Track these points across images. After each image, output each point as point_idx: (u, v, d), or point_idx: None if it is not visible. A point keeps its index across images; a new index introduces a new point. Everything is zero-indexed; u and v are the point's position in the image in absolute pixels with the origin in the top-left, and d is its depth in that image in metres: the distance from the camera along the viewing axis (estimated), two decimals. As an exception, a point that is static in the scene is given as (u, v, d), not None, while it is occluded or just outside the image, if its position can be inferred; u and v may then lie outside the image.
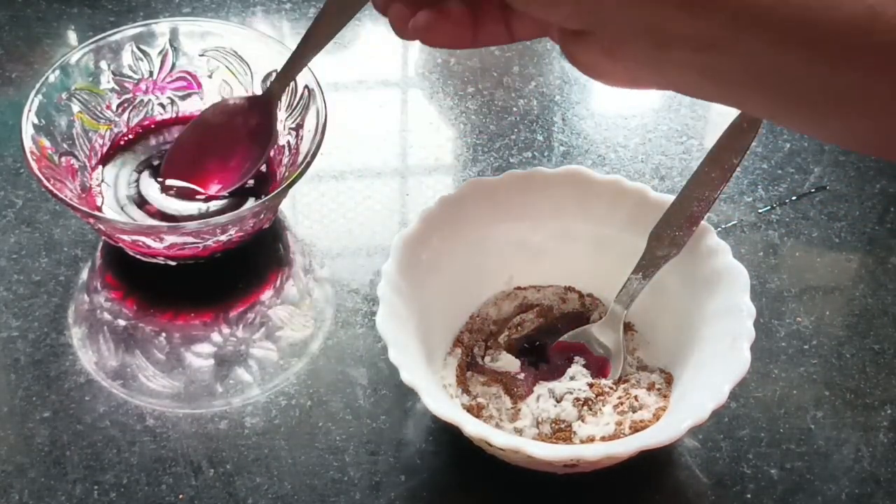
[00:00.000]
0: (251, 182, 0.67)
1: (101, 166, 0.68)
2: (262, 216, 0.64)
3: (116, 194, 0.67)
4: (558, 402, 0.57)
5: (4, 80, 0.76)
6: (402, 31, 0.46)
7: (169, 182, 0.67)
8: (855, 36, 0.37)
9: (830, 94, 0.39)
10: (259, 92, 0.69)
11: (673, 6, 0.39)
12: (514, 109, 0.76)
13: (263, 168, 0.68)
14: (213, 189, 0.67)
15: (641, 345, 0.61)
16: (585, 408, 0.57)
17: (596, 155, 0.73)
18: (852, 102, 0.39)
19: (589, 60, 0.43)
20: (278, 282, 0.66)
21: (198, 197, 0.66)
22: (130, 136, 0.69)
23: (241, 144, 0.67)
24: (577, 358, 0.60)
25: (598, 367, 0.59)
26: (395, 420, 0.60)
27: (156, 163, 0.68)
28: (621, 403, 0.57)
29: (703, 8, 0.39)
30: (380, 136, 0.75)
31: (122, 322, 0.64)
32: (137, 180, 0.67)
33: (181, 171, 0.67)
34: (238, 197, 0.67)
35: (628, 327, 0.61)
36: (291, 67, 0.65)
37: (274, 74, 0.68)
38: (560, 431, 0.56)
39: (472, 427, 0.52)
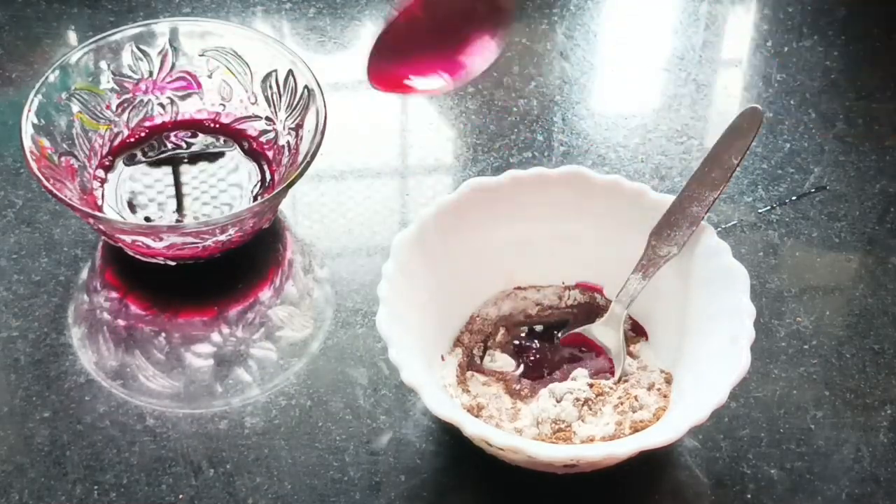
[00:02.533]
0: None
1: (100, 167, 0.68)
2: (262, 216, 0.64)
3: (116, 194, 0.67)
4: (558, 402, 0.57)
5: (4, 80, 0.76)
6: None
7: (376, 73, 0.54)
8: None
9: None
10: (259, 93, 0.69)
11: None
12: (514, 109, 0.76)
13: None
14: (433, 82, 0.56)
15: (641, 345, 0.61)
16: (585, 408, 0.57)
17: (596, 155, 0.73)
18: None
19: None
20: (278, 282, 0.66)
21: (408, 91, 0.56)
22: (133, 139, 0.70)
23: (472, 32, 0.55)
24: (583, 354, 0.60)
25: (602, 365, 0.60)
26: (395, 420, 0.60)
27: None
28: (621, 403, 0.57)
29: None
30: (380, 136, 0.75)
31: (122, 322, 0.64)
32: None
33: (392, 57, 0.55)
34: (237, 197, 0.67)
35: (633, 328, 0.61)
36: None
37: (274, 75, 0.68)
38: (560, 431, 0.56)
39: (472, 427, 0.52)
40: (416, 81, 0.56)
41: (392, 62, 0.54)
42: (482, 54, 0.55)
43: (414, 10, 0.54)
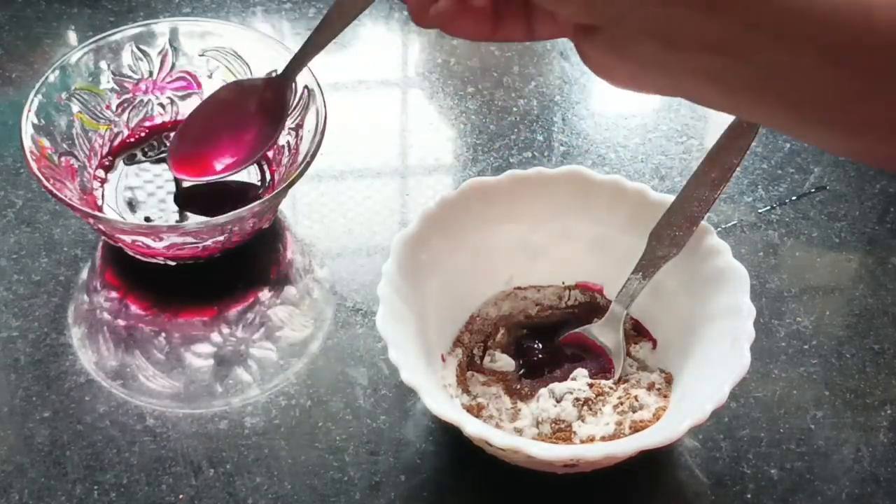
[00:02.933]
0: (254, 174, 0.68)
1: (100, 167, 0.68)
2: (262, 216, 0.64)
3: (116, 194, 0.67)
4: (558, 402, 0.57)
5: (4, 80, 0.76)
6: (421, 18, 0.45)
7: (176, 162, 0.66)
8: (850, 37, 0.37)
9: (836, 101, 0.39)
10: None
11: (685, 5, 0.38)
12: (514, 109, 0.76)
13: (270, 166, 0.68)
14: (222, 166, 0.67)
15: (641, 345, 0.61)
16: (585, 408, 0.57)
17: (596, 155, 0.73)
18: (857, 110, 0.39)
19: (598, 58, 0.42)
20: (278, 282, 0.66)
21: (205, 175, 0.67)
22: (132, 139, 0.70)
23: (252, 123, 0.67)
24: (583, 354, 0.60)
25: (602, 364, 0.60)
26: (395, 420, 0.60)
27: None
28: (621, 403, 0.57)
29: (718, 9, 0.38)
30: (380, 136, 0.75)
31: (122, 322, 0.64)
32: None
33: (190, 148, 0.67)
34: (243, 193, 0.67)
35: (635, 328, 0.61)
36: (307, 51, 0.65)
37: (274, 74, 0.68)
38: (560, 431, 0.56)
39: (472, 427, 0.52)
40: (202, 167, 0.67)
41: (186, 151, 0.67)
42: (253, 146, 0.67)
43: (201, 110, 0.67)
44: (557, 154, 0.73)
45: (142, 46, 0.69)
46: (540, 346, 0.61)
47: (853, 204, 0.70)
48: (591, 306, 0.63)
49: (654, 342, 0.61)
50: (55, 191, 0.60)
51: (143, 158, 0.69)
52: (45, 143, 0.64)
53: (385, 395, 0.61)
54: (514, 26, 0.46)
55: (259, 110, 0.67)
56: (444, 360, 0.60)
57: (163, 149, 0.70)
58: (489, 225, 0.61)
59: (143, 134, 0.70)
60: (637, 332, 0.61)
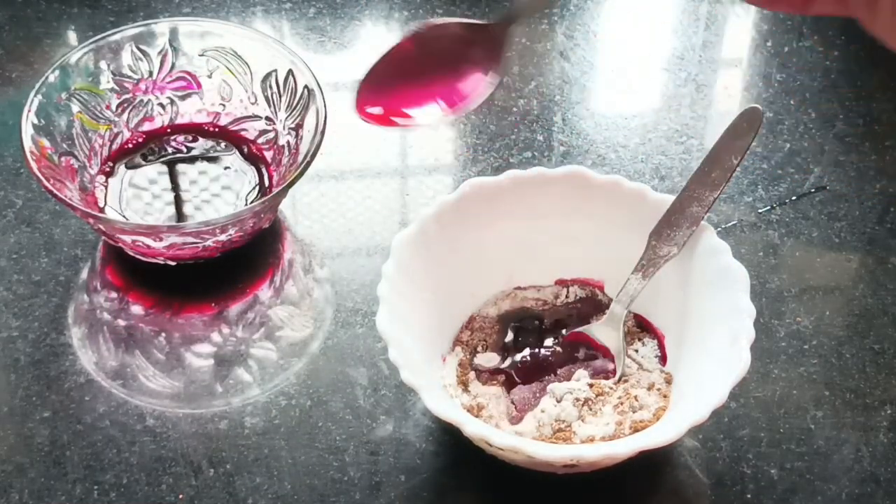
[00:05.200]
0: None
1: (101, 168, 0.68)
2: (262, 216, 0.64)
3: (118, 196, 0.67)
4: (558, 402, 0.57)
5: (4, 80, 0.76)
6: None
7: (368, 109, 0.54)
8: None
9: None
10: (259, 93, 0.69)
11: None
12: (514, 109, 0.76)
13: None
14: (428, 111, 0.55)
15: (642, 344, 0.61)
16: (585, 408, 0.57)
17: (596, 155, 0.73)
18: None
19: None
20: (278, 282, 0.66)
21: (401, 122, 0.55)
22: (131, 144, 0.70)
23: (462, 68, 0.54)
24: (584, 354, 0.60)
25: (602, 364, 0.60)
26: (395, 420, 0.60)
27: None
28: (621, 403, 0.57)
29: None
30: (380, 136, 0.75)
31: (122, 322, 0.64)
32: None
33: (382, 87, 0.54)
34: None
35: (639, 324, 0.61)
36: None
37: (274, 75, 0.68)
38: (560, 431, 0.56)
39: (472, 427, 0.52)
40: (409, 111, 0.55)
41: (383, 94, 0.54)
42: (475, 89, 0.54)
43: (407, 46, 0.54)
44: (557, 154, 0.73)
45: (142, 46, 0.69)
46: (540, 345, 0.61)
47: (853, 204, 0.70)
48: (592, 302, 0.63)
49: (661, 338, 0.61)
50: (55, 191, 0.61)
51: (144, 163, 0.69)
52: (45, 143, 0.64)
53: (385, 395, 0.61)
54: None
55: (475, 56, 0.54)
56: (444, 360, 0.60)
57: (162, 153, 0.70)
58: (489, 225, 0.61)
59: (141, 140, 0.70)
60: (641, 328, 0.61)
